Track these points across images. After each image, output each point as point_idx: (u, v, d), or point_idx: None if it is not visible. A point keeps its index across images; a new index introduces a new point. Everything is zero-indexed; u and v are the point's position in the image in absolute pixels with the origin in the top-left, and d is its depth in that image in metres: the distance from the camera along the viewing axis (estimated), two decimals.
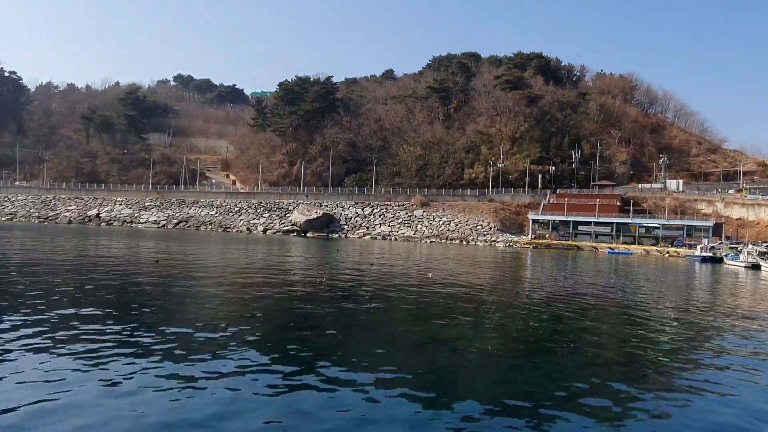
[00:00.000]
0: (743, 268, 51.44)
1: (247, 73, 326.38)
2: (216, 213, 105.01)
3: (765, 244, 61.90)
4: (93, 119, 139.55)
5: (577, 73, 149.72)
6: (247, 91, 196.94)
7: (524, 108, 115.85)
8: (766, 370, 11.38)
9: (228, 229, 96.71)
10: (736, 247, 64.08)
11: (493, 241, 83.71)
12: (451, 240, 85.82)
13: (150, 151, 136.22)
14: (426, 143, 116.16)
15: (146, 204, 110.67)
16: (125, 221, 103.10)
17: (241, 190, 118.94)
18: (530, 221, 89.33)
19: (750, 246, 60.20)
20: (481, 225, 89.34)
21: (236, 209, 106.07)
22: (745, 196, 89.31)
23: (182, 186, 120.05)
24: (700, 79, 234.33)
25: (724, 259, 59.37)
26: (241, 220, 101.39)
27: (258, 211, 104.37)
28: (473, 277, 30.29)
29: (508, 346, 13.09)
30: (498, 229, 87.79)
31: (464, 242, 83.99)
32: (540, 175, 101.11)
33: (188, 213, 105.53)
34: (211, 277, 24.30)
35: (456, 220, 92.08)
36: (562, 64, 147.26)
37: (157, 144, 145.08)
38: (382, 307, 17.88)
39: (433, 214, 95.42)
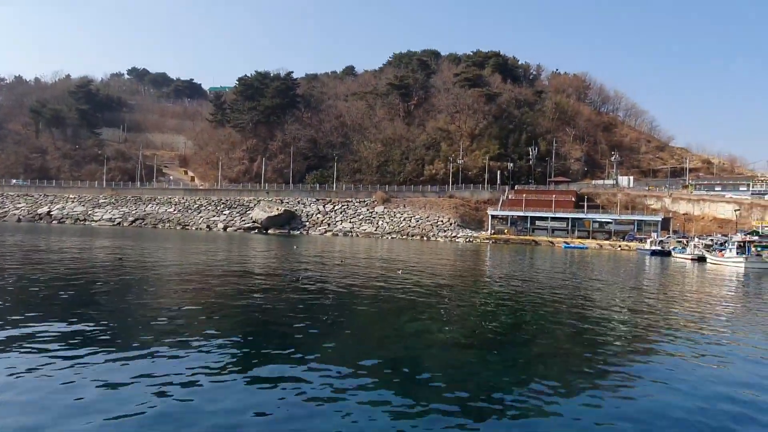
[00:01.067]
0: (690, 261, 54.09)
1: (205, 67, 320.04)
2: (174, 210, 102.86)
3: (709, 238, 65.15)
4: (42, 113, 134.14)
5: (534, 72, 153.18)
6: (205, 86, 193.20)
7: (483, 105, 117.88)
8: (711, 353, 12.29)
9: (187, 227, 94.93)
10: (683, 241, 67.24)
11: (454, 236, 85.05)
12: (412, 236, 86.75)
13: (104, 147, 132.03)
14: (387, 140, 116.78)
15: (100, 201, 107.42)
16: (78, 219, 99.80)
17: (201, 187, 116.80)
18: (489, 217, 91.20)
19: (696, 240, 63.31)
20: (442, 221, 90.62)
21: (195, 206, 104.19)
22: (691, 192, 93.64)
23: (138, 183, 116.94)
24: (648, 79, 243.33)
25: (672, 253, 62.22)
26: (201, 217, 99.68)
27: (218, 208, 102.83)
28: (435, 272, 30.97)
29: (470, 338, 13.63)
30: (458, 225, 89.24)
31: (425, 238, 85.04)
32: (499, 172, 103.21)
33: (145, 210, 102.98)
34: (173, 275, 24.09)
35: (417, 216, 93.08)
36: (519, 62, 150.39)
37: (111, 139, 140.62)
38: (345, 302, 18.21)
39: (394, 210, 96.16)
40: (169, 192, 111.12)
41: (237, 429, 7.09)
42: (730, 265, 46.55)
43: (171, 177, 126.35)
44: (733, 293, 27.48)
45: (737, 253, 47.20)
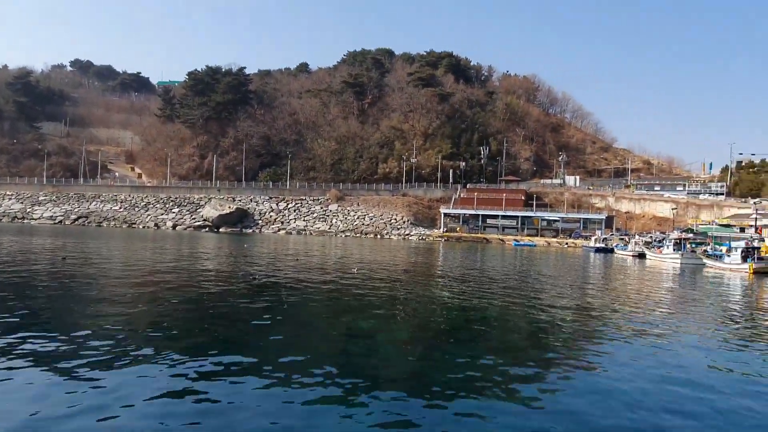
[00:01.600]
0: (631, 257, 56.63)
1: (153, 61, 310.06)
2: (120, 208, 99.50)
3: (649, 235, 68.37)
4: None
5: (485, 73, 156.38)
6: (154, 80, 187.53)
7: (436, 105, 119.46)
8: (651, 343, 12.99)
9: (134, 225, 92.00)
10: (625, 239, 70.31)
11: (407, 234, 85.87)
12: (366, 234, 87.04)
13: (44, 141, 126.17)
14: (341, 138, 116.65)
15: (40, 198, 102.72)
16: (16, 217, 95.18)
17: (148, 184, 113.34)
18: (442, 215, 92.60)
19: (637, 237, 66.34)
20: (395, 219, 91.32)
21: (143, 204, 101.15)
22: (633, 192, 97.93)
23: (81, 179, 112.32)
24: (594, 82, 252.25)
25: (615, 250, 64.94)
26: (149, 215, 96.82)
27: (167, 206, 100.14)
28: (388, 269, 31.24)
29: (421, 335, 13.89)
30: (411, 223, 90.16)
31: (379, 236, 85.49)
32: (451, 171, 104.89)
33: (88, 208, 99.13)
34: (121, 275, 23.39)
35: (370, 215, 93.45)
36: (472, 63, 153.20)
37: (52, 134, 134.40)
38: (296, 301, 18.18)
39: (348, 208, 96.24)
40: (114, 189, 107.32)
41: None
42: (667, 261, 49.00)
43: (117, 174, 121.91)
44: (669, 287, 28.98)
45: (674, 250, 49.73)
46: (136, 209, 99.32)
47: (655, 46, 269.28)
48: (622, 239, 71.07)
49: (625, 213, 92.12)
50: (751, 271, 37.96)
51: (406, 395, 8.61)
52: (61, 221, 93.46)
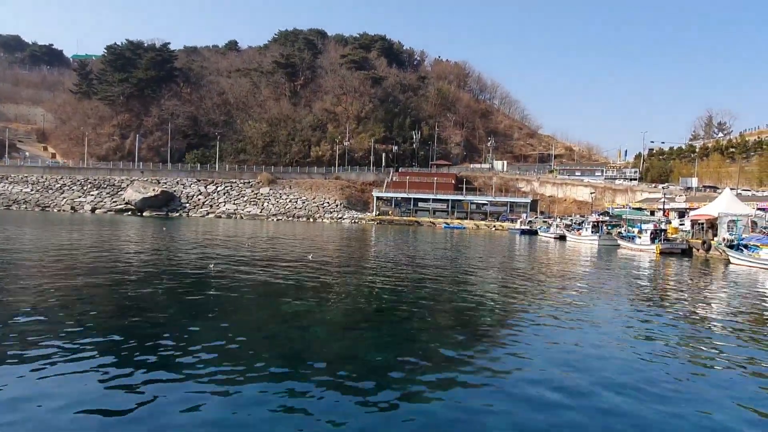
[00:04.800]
0: (553, 239, 59.41)
1: (68, 32, 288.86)
2: (32, 190, 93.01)
3: (570, 218, 71.88)
4: None
5: (418, 58, 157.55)
6: (68, 53, 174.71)
7: (369, 88, 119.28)
8: (569, 319, 13.81)
9: (47, 209, 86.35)
10: (548, 221, 73.59)
11: (340, 218, 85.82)
12: (299, 218, 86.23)
13: None
14: (272, 120, 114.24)
15: None
16: None
17: (63, 165, 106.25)
18: (374, 198, 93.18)
19: (558, 220, 69.60)
20: (328, 202, 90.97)
21: (57, 186, 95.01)
22: (556, 177, 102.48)
23: None
24: (521, 69, 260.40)
25: (539, 232, 67.89)
26: (64, 198, 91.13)
27: (84, 188, 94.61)
28: (320, 253, 31.17)
29: (352, 317, 14.02)
30: (344, 207, 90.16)
31: (311, 220, 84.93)
32: (384, 154, 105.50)
33: None
34: (30, 262, 21.95)
35: (303, 198, 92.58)
36: (404, 48, 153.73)
37: None
38: (224, 287, 17.85)
39: (280, 191, 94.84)
40: (24, 170, 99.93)
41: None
42: (585, 242, 51.83)
43: (27, 153, 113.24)
44: (586, 267, 30.77)
45: (592, 232, 52.62)
46: (50, 191, 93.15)
47: (578, 37, 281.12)
48: (545, 222, 74.36)
49: (549, 197, 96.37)
50: (658, 252, 40.93)
51: (338, 377, 8.70)
52: None
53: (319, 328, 12.41)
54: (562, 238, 58.95)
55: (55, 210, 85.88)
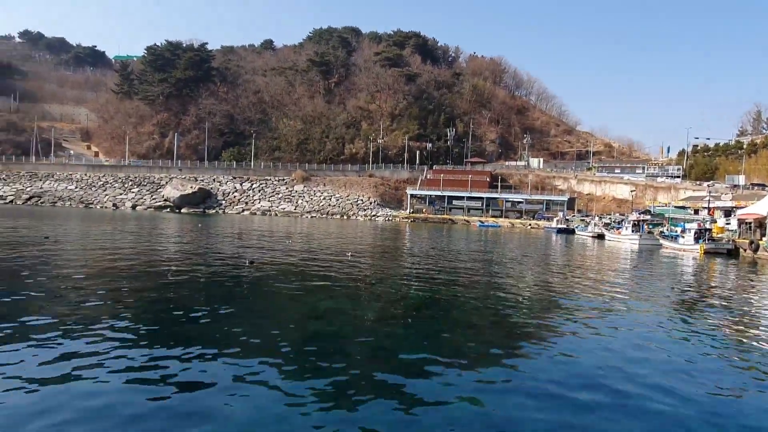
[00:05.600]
0: (591, 238, 57.96)
1: (110, 33, 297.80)
2: (76, 188, 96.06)
3: (609, 217, 70.04)
4: None
5: (452, 54, 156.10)
6: (110, 54, 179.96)
7: (403, 85, 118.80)
8: (609, 320, 13.27)
9: (90, 206, 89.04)
10: (586, 220, 71.89)
11: (374, 215, 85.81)
12: (332, 215, 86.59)
13: None
14: (307, 117, 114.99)
15: None
16: None
17: (106, 163, 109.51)
18: (408, 196, 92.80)
19: (597, 218, 67.90)
20: (362, 200, 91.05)
21: (100, 183, 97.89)
22: (594, 174, 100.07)
23: (33, 157, 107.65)
24: (559, 65, 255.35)
25: (576, 231, 66.36)
26: (106, 195, 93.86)
27: (126, 185, 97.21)
28: (355, 250, 31.09)
29: (387, 314, 13.82)
30: (378, 204, 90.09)
31: (345, 217, 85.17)
32: (418, 152, 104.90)
33: (41, 187, 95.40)
34: (78, 256, 22.51)
35: (337, 195, 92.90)
36: (439, 44, 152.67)
37: (0, 109, 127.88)
38: (262, 283, 17.90)
39: (314, 189, 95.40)
40: (69, 168, 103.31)
41: (147, 418, 6.77)
42: (625, 241, 50.33)
43: (72, 152, 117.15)
44: (626, 267, 29.78)
45: (632, 231, 51.08)
46: (93, 189, 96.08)
47: (619, 31, 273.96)
48: (583, 220, 72.68)
49: (587, 195, 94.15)
50: (702, 252, 39.37)
51: (371, 374, 8.58)
52: (12, 201, 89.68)
53: (353, 325, 12.27)
54: (601, 237, 57.47)
55: (98, 207, 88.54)
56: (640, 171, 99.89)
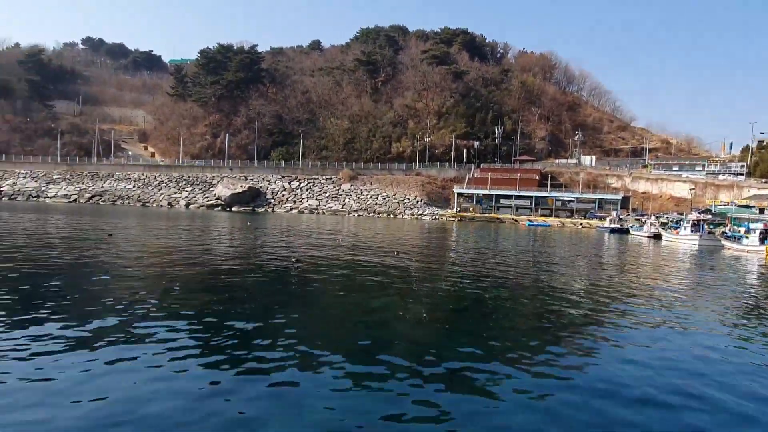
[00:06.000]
0: (647, 238, 55.74)
1: (165, 38, 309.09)
2: (134, 187, 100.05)
3: (666, 216, 67.23)
4: None
5: (501, 51, 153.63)
6: (165, 58, 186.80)
7: (450, 83, 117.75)
8: (666, 326, 12.61)
9: (147, 204, 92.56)
10: (641, 219, 69.24)
11: (420, 214, 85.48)
12: (379, 214, 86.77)
13: (57, 120, 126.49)
14: (354, 116, 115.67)
15: (54, 177, 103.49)
16: (31, 195, 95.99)
17: (161, 163, 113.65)
18: (455, 195, 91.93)
19: (653, 218, 65.28)
20: (408, 198, 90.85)
21: (156, 183, 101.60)
22: (650, 172, 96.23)
23: (95, 158, 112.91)
24: (612, 60, 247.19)
25: (630, 230, 63.99)
26: (162, 194, 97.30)
27: (180, 184, 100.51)
28: (402, 248, 30.94)
29: (434, 313, 13.61)
30: (425, 203, 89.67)
31: (392, 216, 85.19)
32: (465, 150, 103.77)
33: (102, 187, 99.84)
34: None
35: (384, 194, 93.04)
36: (487, 41, 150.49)
37: (65, 112, 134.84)
38: (311, 280, 18.00)
39: (361, 188, 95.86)
40: (128, 168, 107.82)
41: (195, 412, 6.83)
42: (684, 242, 48.14)
43: (130, 152, 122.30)
44: (687, 269, 28.38)
45: (691, 231, 48.83)
46: (150, 188, 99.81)
47: (676, 23, 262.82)
48: (638, 220, 70.06)
49: (642, 193, 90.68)
50: None
51: (418, 372, 8.46)
52: (75, 199, 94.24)
53: (400, 323, 12.12)
54: (657, 237, 55.20)
55: (154, 205, 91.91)
56: (700, 168, 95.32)
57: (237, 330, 10.55)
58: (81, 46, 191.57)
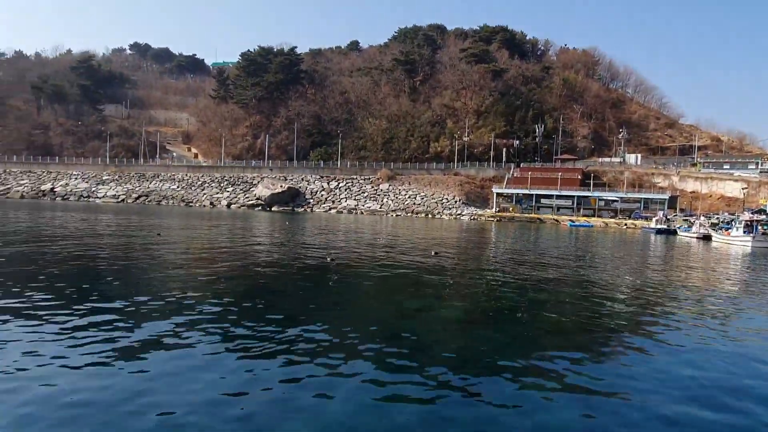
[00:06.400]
0: (695, 239, 53.58)
1: (208, 42, 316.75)
2: (178, 187, 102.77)
3: (716, 216, 64.50)
4: (44, 89, 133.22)
5: (542, 48, 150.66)
6: (208, 61, 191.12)
7: (489, 82, 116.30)
8: (715, 334, 11.99)
9: (190, 204, 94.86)
10: (689, 219, 66.62)
11: (459, 214, 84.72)
12: (417, 213, 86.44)
13: (106, 123, 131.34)
14: (392, 116, 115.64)
15: (104, 178, 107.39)
16: (82, 196, 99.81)
17: (204, 164, 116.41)
18: (494, 195, 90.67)
19: (702, 218, 62.70)
20: (447, 198, 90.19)
21: (199, 183, 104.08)
22: (699, 170, 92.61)
23: (141, 159, 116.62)
24: (659, 55, 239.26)
25: (678, 231, 61.66)
26: (204, 194, 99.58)
27: (221, 185, 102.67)
28: (439, 249, 30.65)
29: (473, 316, 13.37)
30: (463, 203, 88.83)
31: (430, 216, 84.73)
32: (504, 149, 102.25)
33: (149, 187, 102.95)
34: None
35: (422, 194, 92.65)
36: (527, 38, 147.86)
37: (114, 116, 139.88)
38: (348, 279, 17.98)
39: (399, 187, 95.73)
40: (172, 169, 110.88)
41: (229, 406, 6.86)
42: (736, 244, 46.06)
43: (174, 154, 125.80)
44: (739, 272, 27.09)
45: (744, 232, 46.68)
46: (193, 188, 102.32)
47: (726, 14, 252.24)
48: (686, 220, 67.46)
49: (690, 193, 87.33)
50: None
51: (458, 376, 8.32)
52: (123, 200, 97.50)
53: (439, 326, 11.96)
54: (707, 238, 52.97)
55: (197, 205, 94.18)
56: (753, 167, 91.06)
57: (274, 330, 10.58)
58: (129, 52, 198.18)
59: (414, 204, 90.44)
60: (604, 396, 7.75)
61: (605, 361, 9.49)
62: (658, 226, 64.88)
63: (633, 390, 8.00)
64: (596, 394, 7.80)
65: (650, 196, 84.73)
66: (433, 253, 26.86)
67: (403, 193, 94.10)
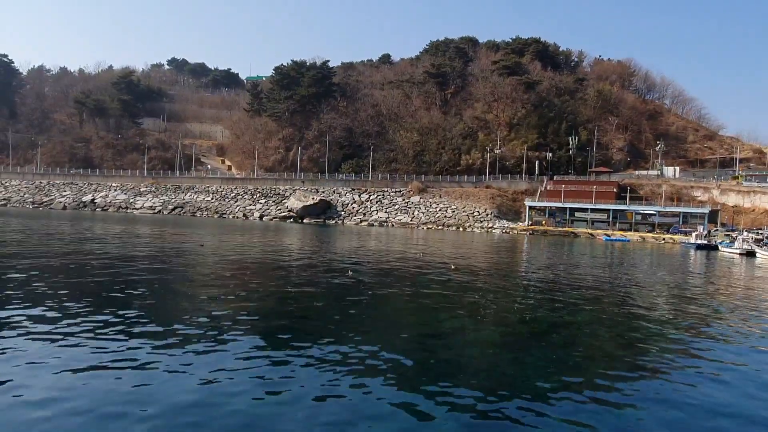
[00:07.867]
0: (738, 255, 51.65)
1: (242, 56, 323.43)
2: (212, 199, 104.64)
3: (760, 232, 62.14)
4: (86, 104, 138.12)
5: (575, 59, 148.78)
6: (243, 75, 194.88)
7: (522, 94, 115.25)
8: (757, 356, 11.41)
9: (224, 216, 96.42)
10: (731, 234, 64.32)
11: (490, 227, 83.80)
12: (448, 226, 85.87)
13: (145, 136, 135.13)
14: (423, 129, 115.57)
15: (141, 190, 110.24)
16: (120, 207, 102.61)
17: (237, 176, 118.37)
18: (527, 208, 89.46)
19: (745, 233, 60.46)
20: (478, 211, 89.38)
21: (232, 195, 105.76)
22: (741, 183, 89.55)
23: (177, 171, 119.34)
24: (698, 65, 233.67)
25: (719, 247, 59.57)
26: (237, 206, 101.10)
27: (254, 197, 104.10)
28: (471, 264, 30.29)
29: (507, 338, 13.08)
30: (495, 216, 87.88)
31: (461, 228, 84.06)
32: (537, 162, 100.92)
33: (184, 199, 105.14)
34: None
35: (453, 207, 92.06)
36: (561, 49, 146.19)
37: (151, 129, 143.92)
38: (380, 296, 17.84)
39: (430, 200, 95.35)
40: (207, 181, 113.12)
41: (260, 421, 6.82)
42: None
43: (209, 166, 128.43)
44: None
45: None
46: (226, 200, 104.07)
47: (762, 23, 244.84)
48: (728, 235, 65.18)
49: (732, 207, 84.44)
50: None
51: (494, 402, 8.16)
52: (159, 211, 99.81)
53: (473, 348, 11.70)
54: (751, 254, 51.01)
55: (230, 217, 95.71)
56: None
57: (304, 346, 10.52)
58: (167, 67, 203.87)
59: (445, 217, 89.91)
60: (647, 422, 7.41)
61: (646, 391, 9.08)
62: (699, 242, 62.76)
63: (675, 422, 7.63)
64: (639, 420, 7.49)
65: (689, 210, 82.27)
66: (452, 267, 26.82)
67: (434, 205, 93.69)
